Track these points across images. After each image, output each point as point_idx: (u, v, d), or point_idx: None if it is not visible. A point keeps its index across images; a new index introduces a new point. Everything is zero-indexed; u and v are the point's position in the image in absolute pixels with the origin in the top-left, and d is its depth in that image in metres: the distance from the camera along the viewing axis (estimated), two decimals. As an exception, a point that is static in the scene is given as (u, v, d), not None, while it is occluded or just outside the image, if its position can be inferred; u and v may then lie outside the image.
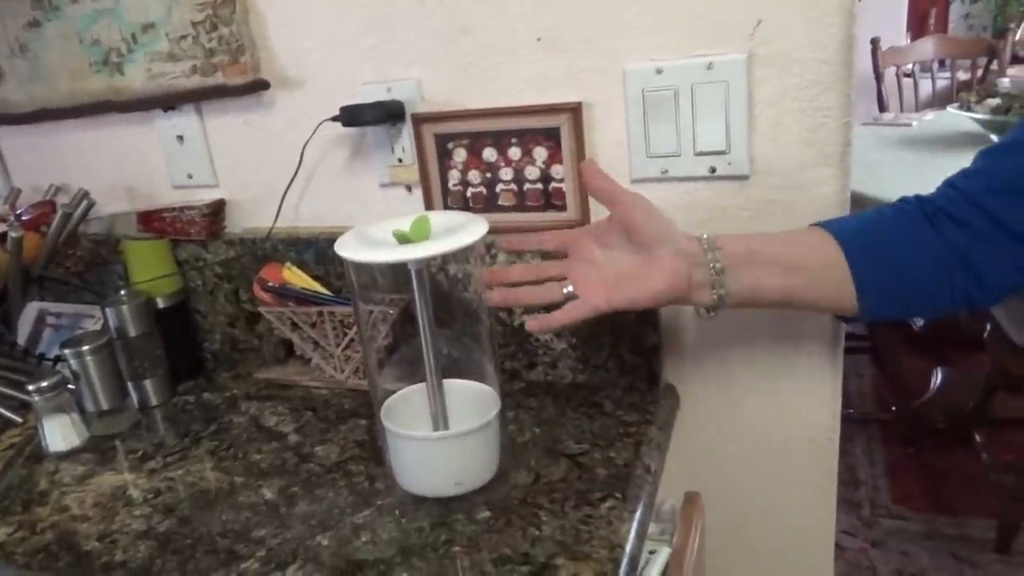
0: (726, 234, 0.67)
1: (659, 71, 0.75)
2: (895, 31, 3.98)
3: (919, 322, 2.73)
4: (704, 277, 0.65)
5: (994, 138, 2.01)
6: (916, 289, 0.64)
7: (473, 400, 0.72)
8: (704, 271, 0.65)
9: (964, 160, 0.66)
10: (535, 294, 0.70)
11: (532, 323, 0.69)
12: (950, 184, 0.65)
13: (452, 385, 0.73)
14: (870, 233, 0.66)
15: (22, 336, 1.05)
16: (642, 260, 0.66)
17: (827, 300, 0.66)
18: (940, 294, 0.64)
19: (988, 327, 1.83)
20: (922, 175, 1.83)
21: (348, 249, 0.62)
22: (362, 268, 0.77)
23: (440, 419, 0.71)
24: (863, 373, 2.55)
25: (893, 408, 2.23)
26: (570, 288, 0.68)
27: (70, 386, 0.89)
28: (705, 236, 0.66)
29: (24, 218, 1.03)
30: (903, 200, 0.67)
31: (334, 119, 0.87)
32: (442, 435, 0.70)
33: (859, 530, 1.91)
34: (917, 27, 4.19)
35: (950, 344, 2.65)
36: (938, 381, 2.37)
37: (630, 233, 0.66)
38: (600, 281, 0.67)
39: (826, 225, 0.67)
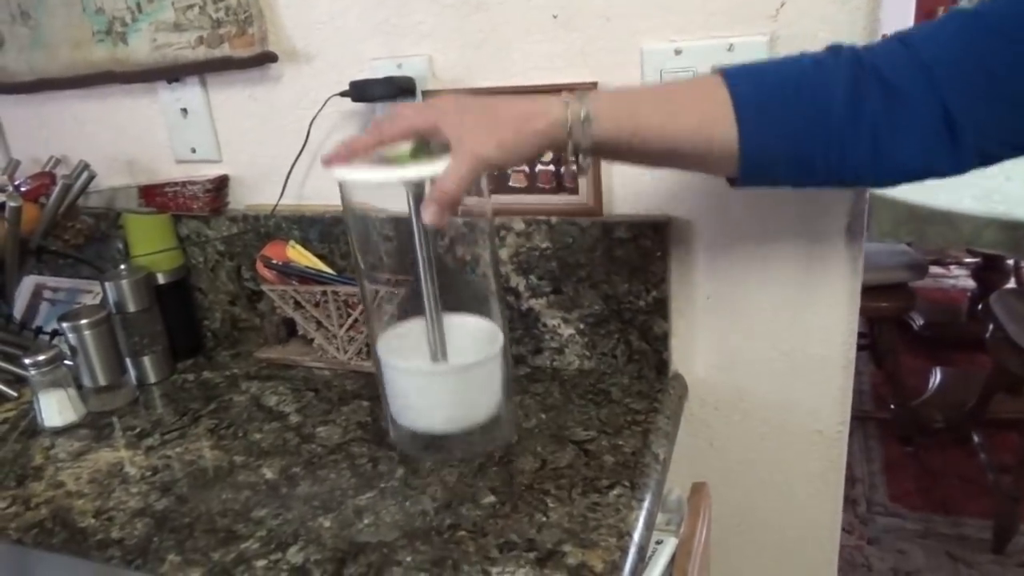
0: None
1: (678, 52, 0.74)
2: (902, 26, 3.97)
3: (919, 321, 2.73)
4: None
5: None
6: (799, 148, 0.56)
7: (475, 335, 0.69)
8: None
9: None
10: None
11: (431, 213, 0.56)
12: (903, 42, 0.57)
13: (453, 320, 0.68)
14: (769, 75, 0.57)
15: (18, 309, 1.04)
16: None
17: (705, 144, 0.57)
18: (823, 160, 0.56)
19: (990, 327, 1.82)
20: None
21: (345, 173, 0.59)
22: (368, 246, 0.75)
23: (438, 351, 0.67)
24: (862, 371, 2.54)
25: (891, 406, 2.22)
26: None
27: (67, 361, 0.87)
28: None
29: (23, 189, 1.01)
30: (833, 51, 0.58)
31: (343, 94, 0.85)
32: (440, 367, 0.66)
33: (855, 527, 1.91)
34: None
35: (949, 344, 2.65)
36: (937, 381, 2.37)
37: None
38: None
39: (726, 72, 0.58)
